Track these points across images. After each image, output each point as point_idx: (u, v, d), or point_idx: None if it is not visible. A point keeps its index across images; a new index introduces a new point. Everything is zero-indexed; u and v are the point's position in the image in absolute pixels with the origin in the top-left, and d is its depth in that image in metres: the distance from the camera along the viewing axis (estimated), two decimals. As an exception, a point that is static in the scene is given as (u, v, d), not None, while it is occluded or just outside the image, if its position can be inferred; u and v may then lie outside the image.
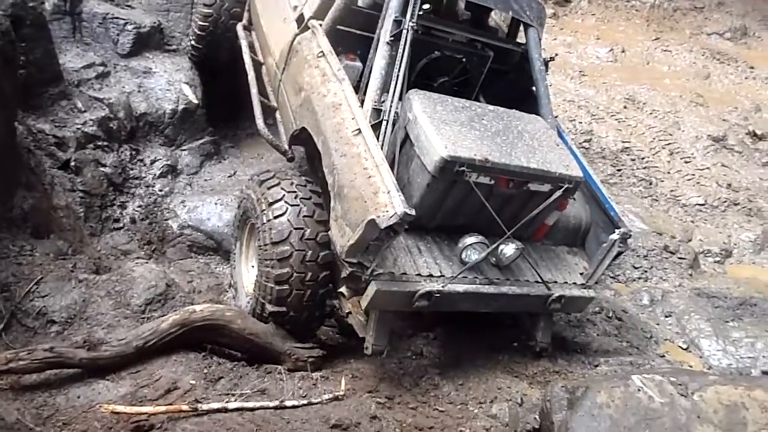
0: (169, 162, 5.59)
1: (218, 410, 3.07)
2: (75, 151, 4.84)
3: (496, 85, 4.89)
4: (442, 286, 3.57)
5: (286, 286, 3.63)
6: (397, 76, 3.86)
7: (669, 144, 7.95)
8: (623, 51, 10.32)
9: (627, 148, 7.78)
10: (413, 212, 3.21)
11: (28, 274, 3.65)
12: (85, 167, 4.85)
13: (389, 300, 3.50)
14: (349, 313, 3.66)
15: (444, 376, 3.91)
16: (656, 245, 5.99)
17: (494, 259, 3.84)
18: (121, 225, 4.97)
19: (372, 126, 3.64)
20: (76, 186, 4.74)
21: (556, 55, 5.58)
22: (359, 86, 4.11)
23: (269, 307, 3.71)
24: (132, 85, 5.61)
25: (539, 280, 3.97)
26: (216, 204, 5.31)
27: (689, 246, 6.17)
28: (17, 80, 4.35)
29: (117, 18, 5.80)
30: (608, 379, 3.67)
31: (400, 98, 3.86)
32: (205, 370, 3.41)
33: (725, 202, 7.09)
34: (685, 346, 4.95)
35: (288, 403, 3.25)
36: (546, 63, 4.67)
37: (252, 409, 3.13)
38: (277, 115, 4.87)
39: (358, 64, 4.34)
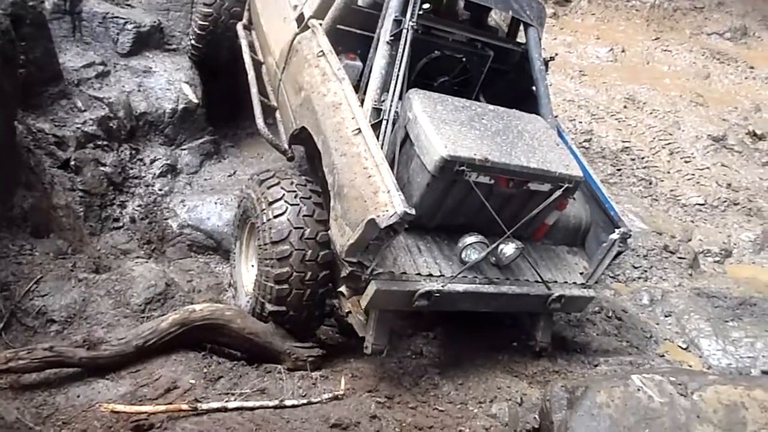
0: (168, 161, 5.59)
1: (218, 409, 3.07)
2: (75, 150, 4.84)
3: (496, 85, 4.89)
4: (442, 286, 3.57)
5: (285, 286, 3.63)
6: (397, 75, 3.86)
7: (669, 144, 7.95)
8: (623, 51, 10.32)
9: (627, 147, 7.78)
10: (413, 212, 3.21)
11: (28, 273, 3.65)
12: (85, 166, 4.85)
13: (389, 299, 3.50)
14: (349, 312, 3.66)
15: (444, 376, 3.91)
16: (656, 245, 5.99)
17: (494, 258, 3.84)
18: (121, 224, 4.97)
19: (372, 125, 3.64)
20: (76, 185, 4.75)
21: (556, 54, 5.58)
22: (359, 86, 4.11)
23: (269, 307, 3.71)
24: (132, 85, 5.61)
25: (539, 279, 3.97)
26: (216, 203, 5.31)
27: (689, 246, 6.17)
28: (17, 79, 4.34)
29: (117, 17, 5.81)
30: (608, 379, 3.67)
31: (400, 98, 3.86)
32: (205, 370, 3.41)
33: (725, 201, 7.09)
34: (684, 346, 4.95)
35: (288, 403, 3.25)
36: (546, 62, 4.67)
37: (251, 409, 3.13)
38: (277, 114, 4.88)
39: (358, 63, 4.34)
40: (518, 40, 4.96)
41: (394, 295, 3.48)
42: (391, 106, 3.78)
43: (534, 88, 4.59)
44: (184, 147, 5.79)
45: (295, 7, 4.68)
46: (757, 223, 6.76)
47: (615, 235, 4.07)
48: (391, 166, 3.57)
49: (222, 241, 5.13)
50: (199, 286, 4.73)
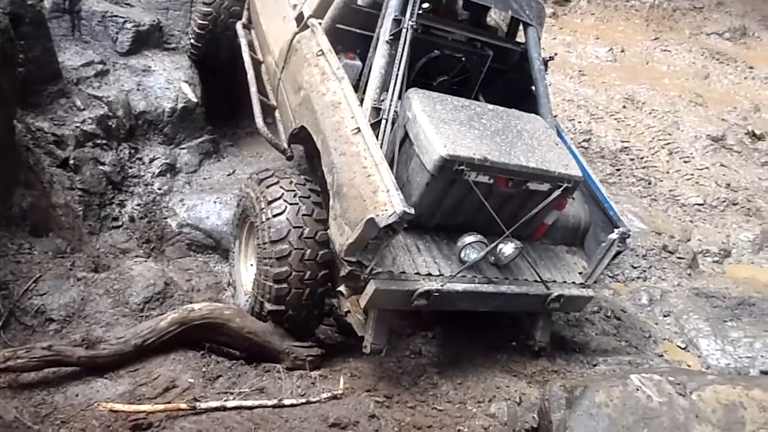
0: (168, 160, 5.58)
1: (217, 409, 3.07)
2: (74, 149, 4.84)
3: (495, 85, 4.89)
4: (441, 285, 3.57)
5: (284, 285, 3.63)
6: (397, 74, 3.86)
7: (668, 144, 7.96)
8: (622, 51, 10.33)
9: (626, 147, 7.78)
10: (412, 211, 3.20)
11: (27, 272, 3.65)
12: (84, 165, 4.85)
13: (388, 299, 3.50)
14: (348, 311, 3.66)
15: (443, 375, 3.91)
16: (655, 245, 6.00)
17: (493, 258, 3.84)
18: (120, 223, 4.97)
19: (371, 125, 3.63)
20: (75, 184, 4.74)
21: (556, 54, 5.58)
22: (359, 85, 4.11)
23: (268, 306, 3.71)
24: (131, 84, 5.61)
25: (538, 279, 3.97)
26: (215, 202, 5.31)
27: (688, 246, 6.18)
28: (16, 78, 4.34)
29: (116, 16, 5.81)
30: (607, 379, 3.67)
31: (400, 97, 3.86)
32: (204, 369, 3.40)
33: (724, 201, 7.09)
34: (683, 346, 4.95)
35: (286, 402, 3.25)
36: (545, 62, 4.67)
37: (250, 408, 3.13)
38: (277, 113, 4.87)
39: (358, 62, 4.34)
40: (518, 39, 4.96)
41: (393, 294, 3.48)
42: (390, 105, 3.78)
43: (533, 87, 4.59)
44: (183, 146, 5.79)
45: (295, 6, 4.68)
46: (756, 223, 6.76)
47: (614, 235, 4.07)
48: (391, 165, 3.57)
49: (221, 240, 5.13)
50: (198, 285, 4.73)
